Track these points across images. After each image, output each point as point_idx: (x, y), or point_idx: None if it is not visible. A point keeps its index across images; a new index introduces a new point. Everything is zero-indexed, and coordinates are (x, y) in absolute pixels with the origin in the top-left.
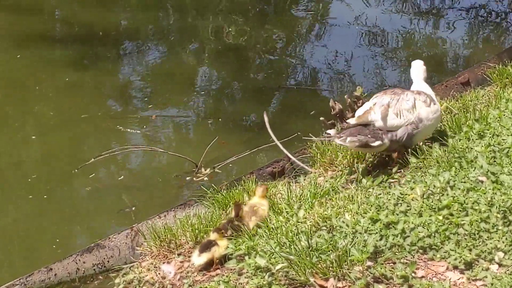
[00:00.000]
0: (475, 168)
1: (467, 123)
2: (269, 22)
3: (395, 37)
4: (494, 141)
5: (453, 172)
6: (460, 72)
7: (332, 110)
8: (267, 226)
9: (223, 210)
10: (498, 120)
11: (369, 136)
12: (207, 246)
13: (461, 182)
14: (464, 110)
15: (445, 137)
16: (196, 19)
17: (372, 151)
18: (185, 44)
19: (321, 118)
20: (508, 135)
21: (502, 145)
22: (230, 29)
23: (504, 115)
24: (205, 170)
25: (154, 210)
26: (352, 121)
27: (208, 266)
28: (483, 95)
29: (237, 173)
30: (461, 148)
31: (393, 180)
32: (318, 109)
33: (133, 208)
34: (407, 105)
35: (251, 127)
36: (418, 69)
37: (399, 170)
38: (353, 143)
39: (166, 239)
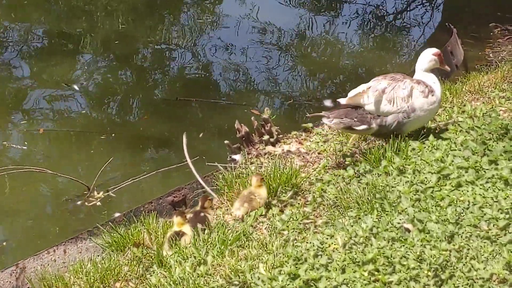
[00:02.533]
0: (399, 212)
1: (386, 155)
2: (159, 26)
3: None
4: (417, 179)
5: (375, 216)
6: None
7: (238, 132)
8: (172, 276)
9: (121, 251)
10: (418, 154)
11: (355, 119)
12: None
13: (385, 230)
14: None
15: (363, 171)
16: (82, 21)
17: (359, 134)
18: (70, 49)
19: (226, 142)
20: (431, 173)
21: (426, 184)
22: (120, 25)
23: (425, 147)
24: (98, 193)
25: (40, 241)
26: (343, 101)
27: None
28: None
29: (134, 197)
30: (381, 186)
31: (308, 221)
32: (218, 124)
33: (4, 243)
34: (402, 93)
35: (150, 145)
36: (422, 60)
37: (314, 209)
38: (338, 125)
39: None
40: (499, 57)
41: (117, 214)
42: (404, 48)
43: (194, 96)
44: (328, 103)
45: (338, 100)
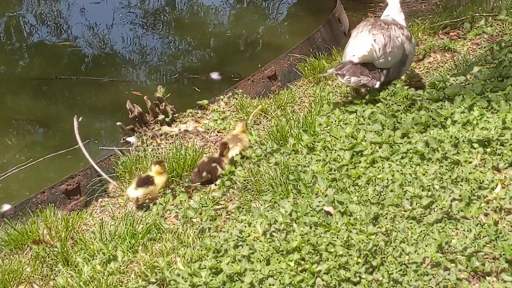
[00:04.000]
0: (316, 194)
1: (292, 132)
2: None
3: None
4: (329, 157)
5: (291, 200)
6: (267, 64)
7: (130, 113)
8: (80, 276)
9: (20, 250)
10: (326, 129)
11: (370, 76)
12: (145, 181)
13: (306, 214)
14: (283, 114)
15: (270, 150)
16: None
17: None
18: None
19: (118, 123)
20: (343, 149)
21: (340, 162)
22: None
23: (332, 122)
24: None
25: None
26: (355, 60)
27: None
28: (299, 96)
29: (23, 187)
30: (293, 166)
31: (219, 207)
32: (105, 103)
33: None
34: (397, 42)
35: (34, 128)
36: None
37: (224, 194)
38: (357, 83)
39: None
40: None
41: (6, 206)
42: (275, 11)
43: (74, 74)
44: (215, 75)
45: (350, 59)
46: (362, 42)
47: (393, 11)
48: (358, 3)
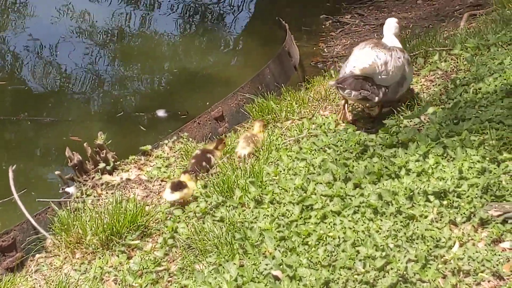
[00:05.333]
0: (263, 255)
1: (238, 183)
2: None
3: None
4: (278, 212)
5: (237, 262)
6: (214, 105)
7: (70, 161)
8: None
9: None
10: (275, 179)
11: (370, 91)
12: (179, 186)
13: (252, 280)
14: (230, 161)
15: (215, 203)
16: None
17: (365, 104)
18: None
19: (57, 172)
20: (292, 203)
21: (288, 217)
22: None
23: (281, 172)
24: None
25: None
26: (356, 70)
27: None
28: None
29: None
30: (239, 222)
31: (161, 269)
32: (45, 146)
33: None
34: (399, 63)
35: None
36: (391, 25)
37: (166, 253)
38: (357, 97)
39: None
40: (334, 52)
41: None
42: (224, 43)
43: (13, 114)
44: (161, 113)
45: (351, 70)
46: (364, 56)
47: (388, 41)
48: (309, 33)
